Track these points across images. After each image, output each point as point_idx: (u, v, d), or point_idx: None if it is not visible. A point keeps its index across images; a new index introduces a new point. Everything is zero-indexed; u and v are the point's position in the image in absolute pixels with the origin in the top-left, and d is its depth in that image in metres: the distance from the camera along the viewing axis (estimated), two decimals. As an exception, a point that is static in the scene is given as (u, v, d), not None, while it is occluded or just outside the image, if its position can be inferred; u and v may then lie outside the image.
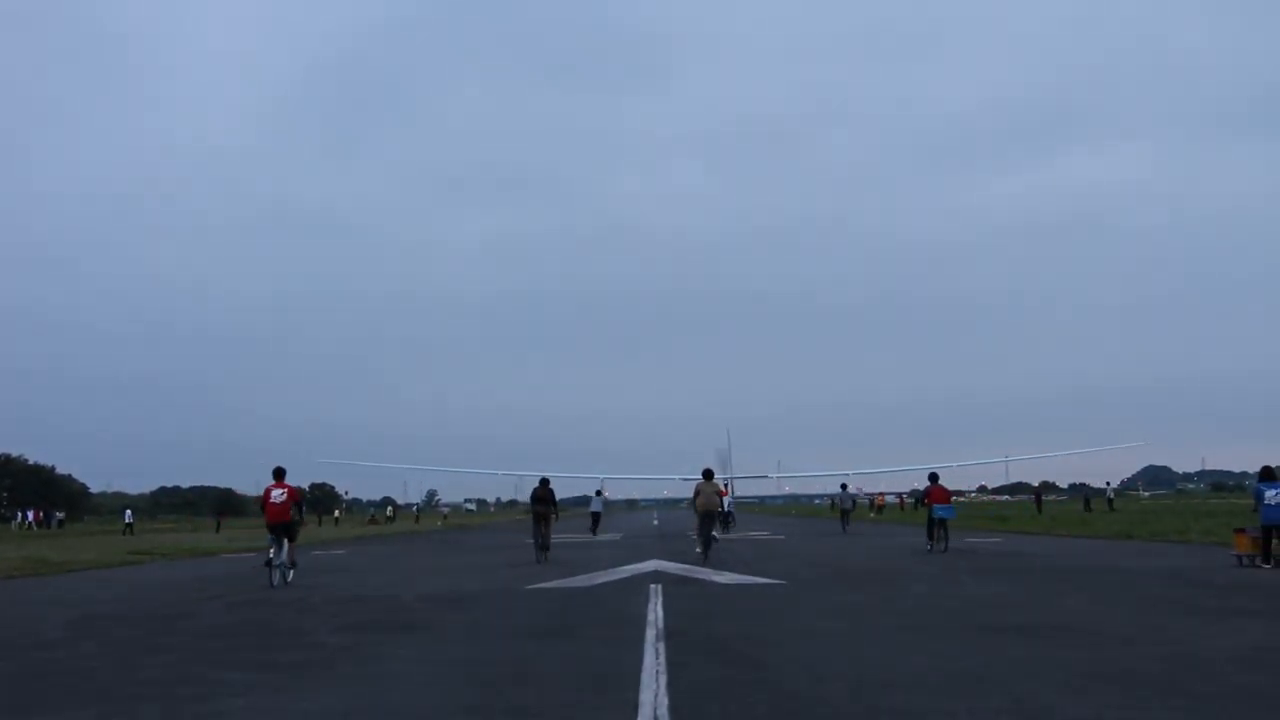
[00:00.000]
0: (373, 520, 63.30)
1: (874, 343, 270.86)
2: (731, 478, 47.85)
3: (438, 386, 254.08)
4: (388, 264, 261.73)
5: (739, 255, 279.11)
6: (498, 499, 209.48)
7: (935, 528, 19.69)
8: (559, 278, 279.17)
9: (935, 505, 19.95)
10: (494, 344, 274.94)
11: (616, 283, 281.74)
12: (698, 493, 19.03)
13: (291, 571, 14.47)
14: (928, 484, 20.81)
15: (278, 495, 14.42)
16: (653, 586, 12.42)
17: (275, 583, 13.90)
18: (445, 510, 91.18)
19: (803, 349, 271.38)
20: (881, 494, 70.31)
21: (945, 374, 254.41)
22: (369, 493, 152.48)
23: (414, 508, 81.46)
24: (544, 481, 20.30)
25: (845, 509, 35.28)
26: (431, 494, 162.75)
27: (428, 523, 64.05)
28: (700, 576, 14.17)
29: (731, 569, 15.53)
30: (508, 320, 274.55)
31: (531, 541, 19.41)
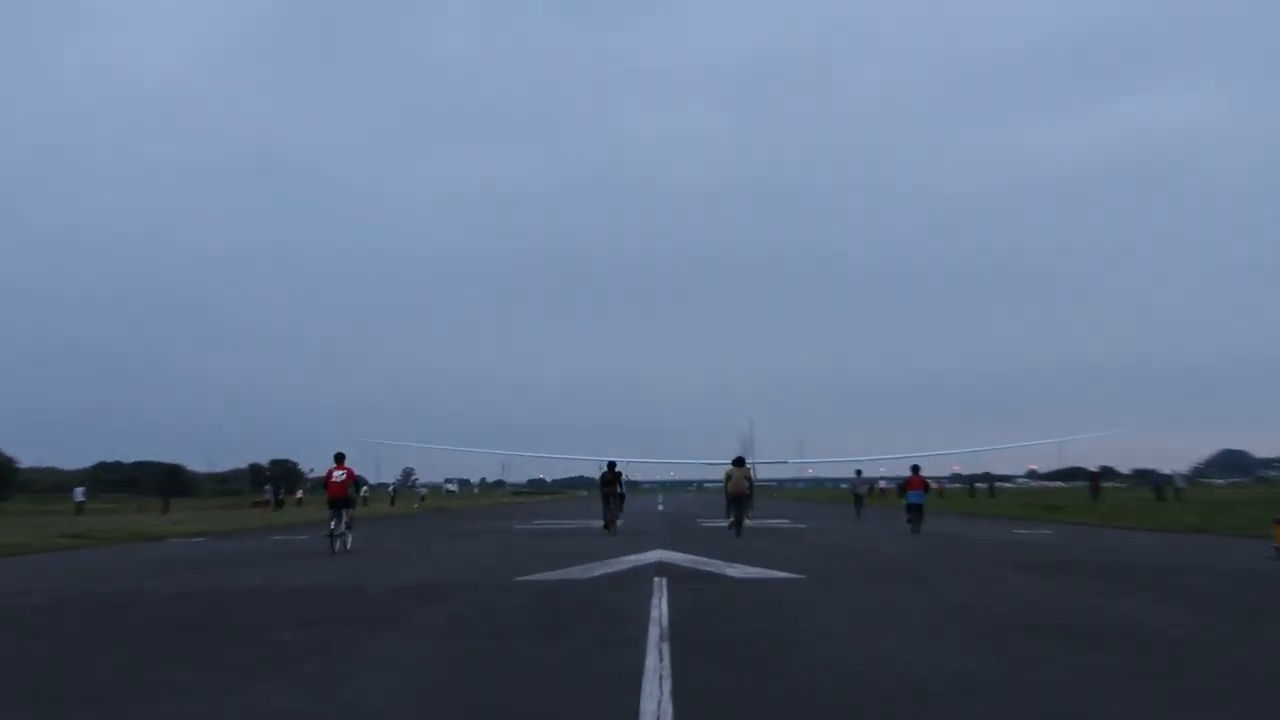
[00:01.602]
0: None
1: (910, 309, 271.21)
2: (754, 463, 51.61)
3: (411, 355, 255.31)
4: (354, 217, 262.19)
5: (756, 209, 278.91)
6: (483, 479, 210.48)
7: (910, 511, 25.05)
8: (551, 234, 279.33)
9: (909, 492, 25.51)
10: (475, 310, 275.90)
11: (618, 241, 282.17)
12: (728, 477, 25.12)
13: (350, 539, 19.34)
14: (908, 474, 26.38)
15: (338, 475, 19.87)
16: (657, 580, 12.54)
17: (336, 549, 18.80)
18: (423, 491, 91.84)
19: (830, 316, 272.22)
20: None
21: (989, 344, 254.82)
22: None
23: (389, 488, 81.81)
24: (611, 465, 27.24)
25: (859, 494, 40.25)
26: (408, 473, 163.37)
27: (404, 505, 64.53)
28: (710, 569, 14.31)
29: (746, 561, 15.67)
30: (492, 283, 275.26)
31: (603, 524, 26.02)
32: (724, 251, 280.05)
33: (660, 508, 53.94)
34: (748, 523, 25.05)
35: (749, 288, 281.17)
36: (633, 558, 16.46)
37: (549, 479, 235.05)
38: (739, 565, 14.79)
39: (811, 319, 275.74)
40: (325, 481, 20.39)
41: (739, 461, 25.83)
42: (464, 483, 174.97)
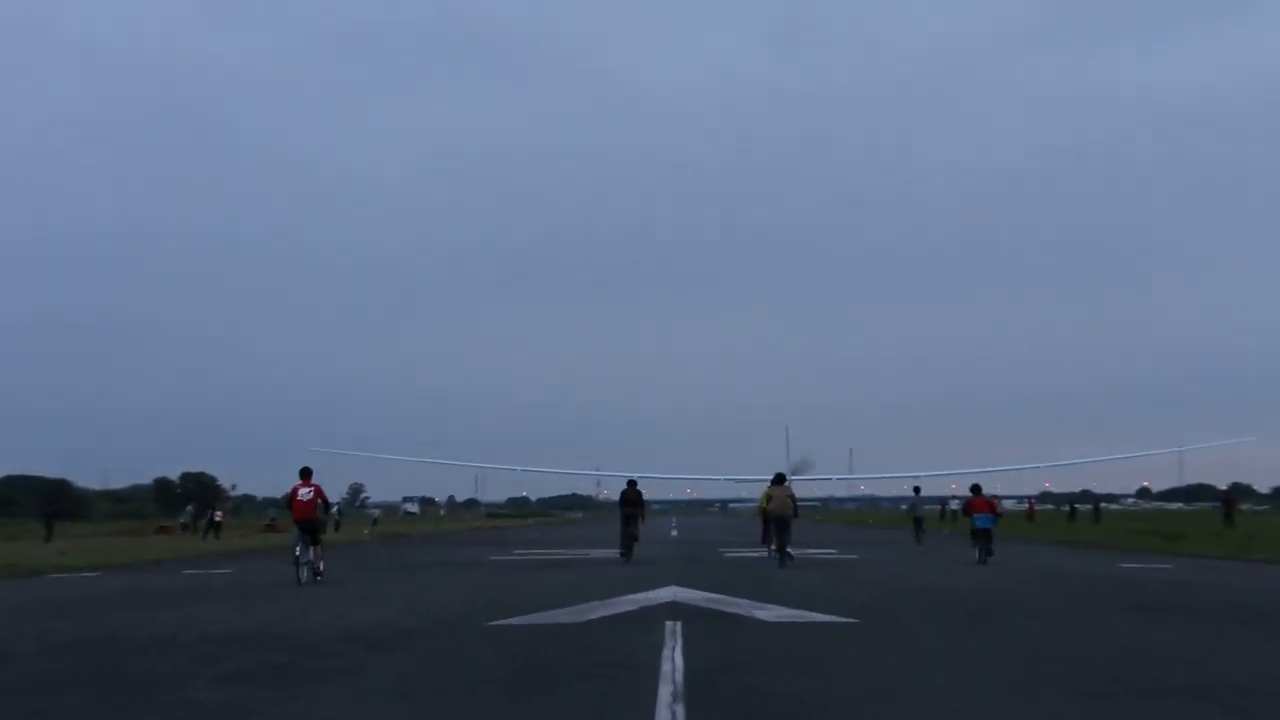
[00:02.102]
0: (271, 526, 63.37)
1: (978, 290, 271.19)
2: (793, 479, 52.23)
3: (363, 349, 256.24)
4: (295, 169, 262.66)
5: (794, 164, 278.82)
6: (450, 498, 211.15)
7: (977, 538, 26.34)
8: (535, 197, 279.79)
9: (975, 515, 26.87)
10: (441, 296, 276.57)
11: (619, 205, 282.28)
12: (769, 498, 27.09)
13: (319, 574, 20.82)
14: (969, 495, 28.17)
15: (305, 494, 21.09)
16: (669, 624, 12.61)
17: (303, 579, 20.21)
18: (375, 513, 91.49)
19: (885, 302, 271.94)
20: (996, 497, 70.70)
21: (1081, 330, 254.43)
22: (266, 485, 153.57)
23: (333, 510, 80.00)
24: (632, 483, 29.50)
25: (918, 516, 41.71)
26: (356, 491, 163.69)
27: (351, 530, 64.40)
28: (736, 610, 14.38)
29: (781, 600, 15.73)
30: (463, 257, 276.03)
31: (619, 550, 28.25)
32: (753, 222, 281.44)
33: (674, 533, 54.06)
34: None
35: (785, 267, 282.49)
36: (640, 596, 16.52)
37: (534, 498, 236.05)
38: (772, 606, 14.83)
39: (862, 307, 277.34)
40: (290, 501, 21.65)
41: (779, 479, 27.75)
42: (427, 502, 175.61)
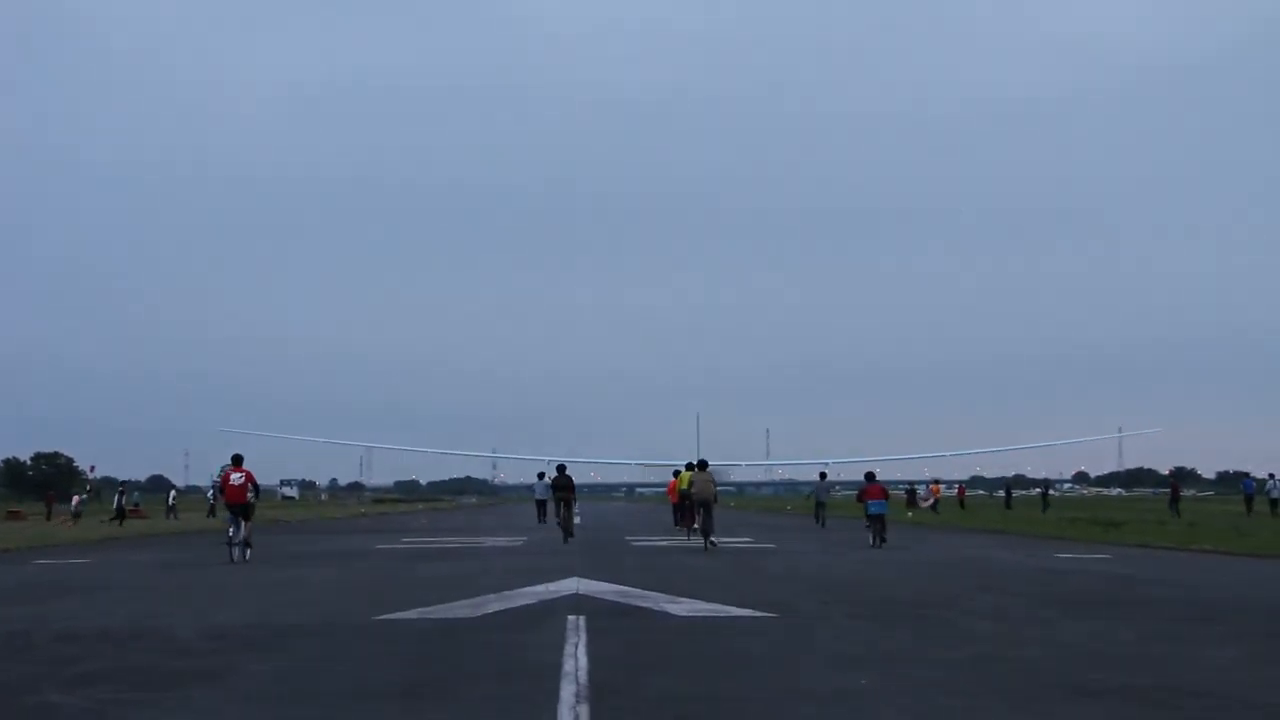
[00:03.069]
0: (132, 512, 61.71)
1: (906, 259, 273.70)
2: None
3: (235, 314, 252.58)
4: (149, 117, 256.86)
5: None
6: (333, 481, 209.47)
7: (872, 523, 29.26)
8: (421, 150, 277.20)
9: (869, 501, 29.66)
10: (322, 257, 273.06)
11: (510, 161, 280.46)
12: (690, 481, 30.42)
13: (249, 551, 24.23)
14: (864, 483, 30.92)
15: (236, 478, 24.80)
16: (572, 619, 12.67)
17: (235, 559, 23.65)
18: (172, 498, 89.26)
19: (804, 275, 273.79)
20: (936, 483, 71.79)
21: (1018, 303, 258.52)
22: (132, 468, 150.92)
23: (169, 496, 75.85)
24: (561, 468, 34.65)
25: (820, 500, 45.77)
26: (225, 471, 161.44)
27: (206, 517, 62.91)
28: (646, 604, 14.47)
29: (694, 593, 15.82)
30: (344, 214, 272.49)
31: (547, 522, 35.81)
32: (663, 182, 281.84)
33: (577, 519, 54.00)
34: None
35: (690, 230, 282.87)
36: (540, 588, 16.55)
37: (424, 481, 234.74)
38: (685, 599, 14.93)
39: (777, 279, 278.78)
40: (222, 486, 25.73)
41: (702, 465, 30.90)
42: (306, 486, 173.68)
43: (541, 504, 46.99)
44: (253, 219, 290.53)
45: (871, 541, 28.76)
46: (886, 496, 30.53)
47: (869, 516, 29.45)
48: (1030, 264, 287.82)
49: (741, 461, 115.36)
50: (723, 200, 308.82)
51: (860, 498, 30.64)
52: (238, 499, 24.56)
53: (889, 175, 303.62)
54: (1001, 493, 79.80)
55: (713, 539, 27.96)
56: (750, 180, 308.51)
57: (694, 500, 29.49)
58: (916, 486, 75.23)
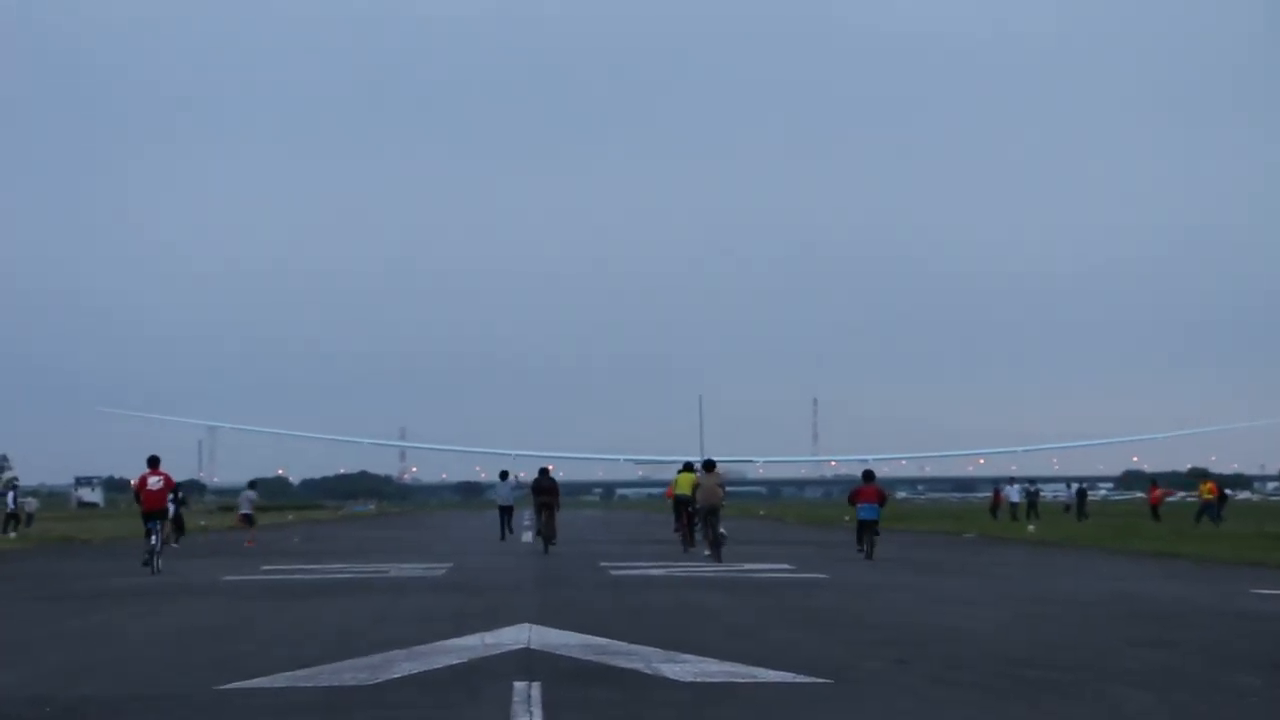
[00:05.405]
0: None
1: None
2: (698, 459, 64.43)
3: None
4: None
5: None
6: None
7: (863, 530, 35.12)
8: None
9: (860, 505, 35.25)
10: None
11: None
12: (696, 485, 36.58)
13: (160, 561, 31.00)
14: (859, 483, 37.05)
15: (154, 483, 30.71)
16: (520, 688, 12.51)
17: (157, 568, 30.39)
18: (29, 505, 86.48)
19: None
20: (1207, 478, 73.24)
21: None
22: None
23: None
24: (544, 471, 44.30)
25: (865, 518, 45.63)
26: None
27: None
28: (630, 664, 14.28)
29: (703, 648, 15.54)
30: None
31: (512, 534, 47.22)
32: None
33: (528, 536, 53.93)
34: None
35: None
36: (471, 641, 16.38)
37: (295, 479, 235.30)
38: (689, 657, 14.68)
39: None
40: (138, 491, 31.60)
41: (709, 465, 36.33)
42: (115, 485, 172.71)
43: (506, 510, 53.22)
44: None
45: (860, 549, 34.95)
46: (883, 500, 36.53)
47: (859, 522, 35.56)
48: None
49: (757, 457, 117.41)
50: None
51: (851, 500, 36.44)
52: (157, 504, 30.93)
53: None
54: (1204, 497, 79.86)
55: (723, 536, 34.25)
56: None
57: (701, 507, 34.83)
58: (1000, 487, 77.34)
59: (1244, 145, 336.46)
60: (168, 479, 31.15)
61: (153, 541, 30.49)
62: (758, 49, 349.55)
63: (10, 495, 61.08)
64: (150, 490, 30.56)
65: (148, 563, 30.29)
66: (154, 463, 30.97)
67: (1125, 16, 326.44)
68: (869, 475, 37.34)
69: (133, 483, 33.92)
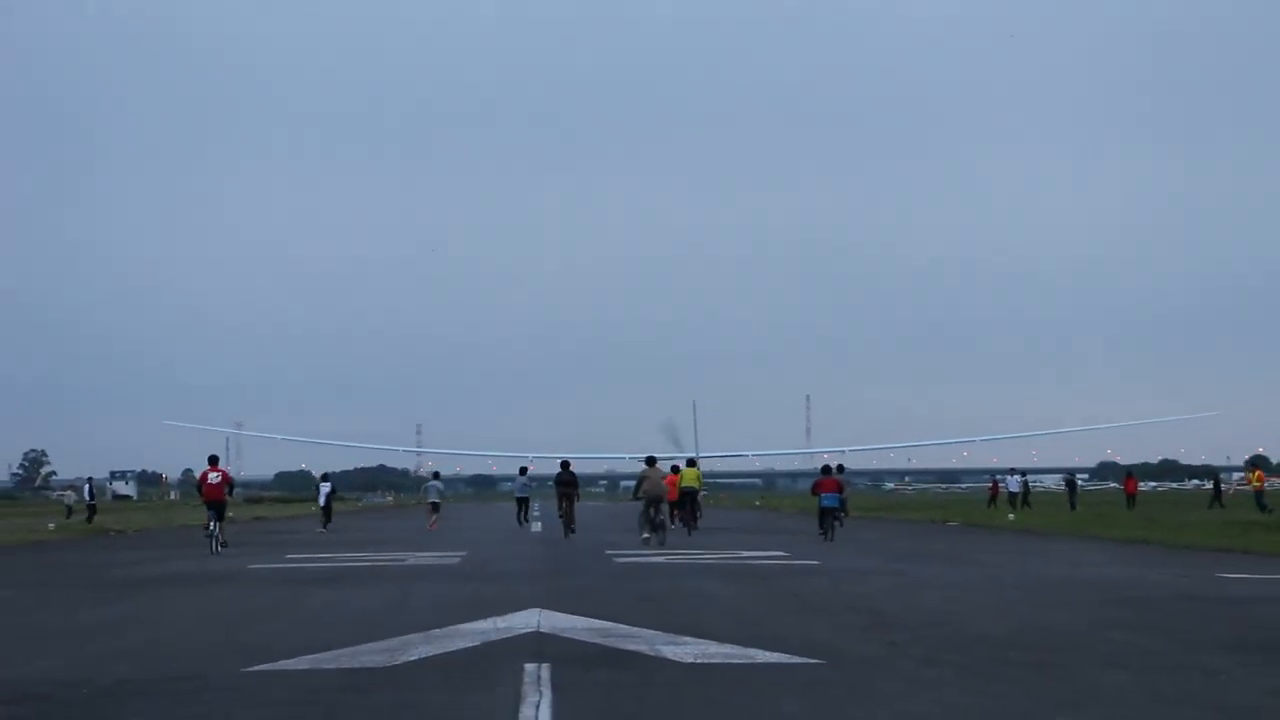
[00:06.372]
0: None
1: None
2: (697, 456, 75.07)
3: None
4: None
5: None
6: (186, 473, 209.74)
7: (824, 517, 39.95)
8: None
9: (822, 495, 40.27)
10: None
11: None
12: (643, 478, 39.78)
13: (223, 547, 35.59)
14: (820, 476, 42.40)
15: (213, 477, 35.90)
16: (530, 669, 12.61)
17: (214, 550, 34.80)
18: (69, 499, 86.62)
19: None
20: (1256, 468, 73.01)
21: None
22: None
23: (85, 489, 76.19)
24: (565, 465, 47.85)
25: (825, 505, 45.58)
26: (36, 461, 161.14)
27: (27, 526, 62.28)
28: (634, 646, 14.43)
29: (703, 630, 15.74)
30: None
31: (527, 524, 55.70)
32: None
33: (537, 526, 54.07)
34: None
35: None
36: (484, 625, 16.50)
37: (316, 472, 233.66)
38: (690, 639, 14.86)
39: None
40: (200, 484, 37.66)
41: (650, 460, 41.60)
42: (148, 480, 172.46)
43: (523, 502, 60.01)
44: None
45: (821, 533, 39.66)
46: (842, 490, 42.13)
47: (821, 509, 40.44)
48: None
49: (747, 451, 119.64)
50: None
51: (814, 490, 41.60)
52: (215, 496, 35.79)
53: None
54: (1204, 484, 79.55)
55: (660, 536, 37.64)
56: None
57: (647, 498, 38.66)
58: (1000, 478, 77.96)
59: (1217, 141, 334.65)
60: (225, 474, 36.44)
61: (211, 527, 35.28)
62: (757, 49, 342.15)
63: (86, 488, 72.01)
64: (210, 484, 35.69)
65: (209, 540, 35.09)
66: (214, 460, 36.79)
67: (1125, 16, 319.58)
68: (827, 469, 43.21)
69: (196, 476, 42.09)
